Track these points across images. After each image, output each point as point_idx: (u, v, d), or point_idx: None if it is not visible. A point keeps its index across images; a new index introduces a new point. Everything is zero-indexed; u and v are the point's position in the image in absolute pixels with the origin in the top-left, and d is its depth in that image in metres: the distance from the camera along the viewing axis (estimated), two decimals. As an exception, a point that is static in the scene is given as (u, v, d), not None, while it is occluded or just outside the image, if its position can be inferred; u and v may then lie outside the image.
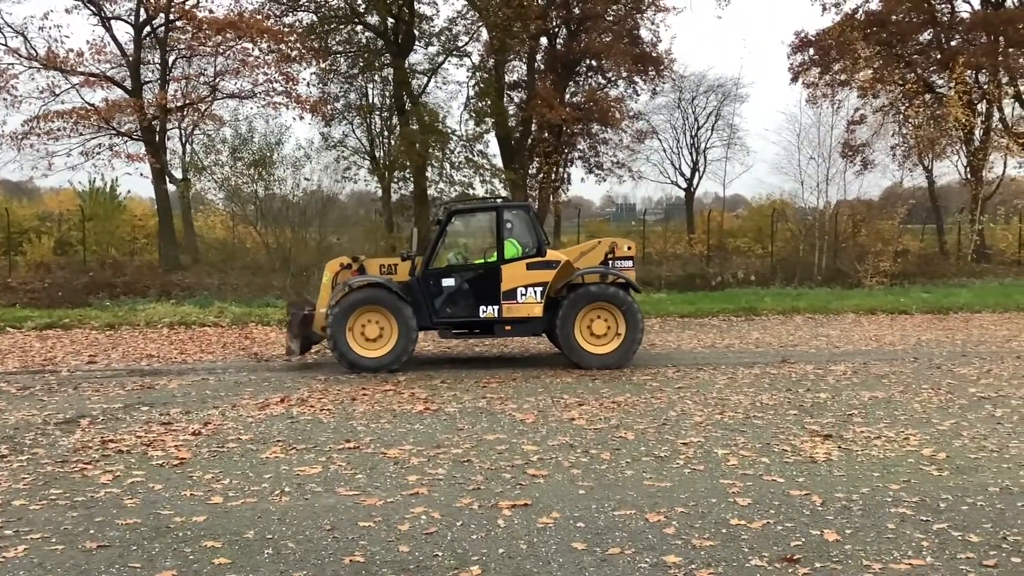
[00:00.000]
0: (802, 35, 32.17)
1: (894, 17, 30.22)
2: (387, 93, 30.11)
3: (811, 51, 32.00)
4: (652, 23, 32.40)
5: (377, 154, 31.16)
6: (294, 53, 27.14)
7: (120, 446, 7.36)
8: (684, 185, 38.73)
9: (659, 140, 37.94)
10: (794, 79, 32.04)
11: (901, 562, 4.64)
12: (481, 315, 11.79)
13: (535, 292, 11.70)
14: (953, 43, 30.14)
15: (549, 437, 7.62)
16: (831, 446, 7.24)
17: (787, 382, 10.54)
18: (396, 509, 5.58)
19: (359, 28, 29.25)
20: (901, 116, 29.87)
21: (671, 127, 38.56)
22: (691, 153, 38.79)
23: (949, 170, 32.44)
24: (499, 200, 13.76)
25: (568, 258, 11.99)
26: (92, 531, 5.20)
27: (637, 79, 33.00)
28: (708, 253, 28.97)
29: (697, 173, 38.60)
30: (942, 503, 5.66)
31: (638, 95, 34.25)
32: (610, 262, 12.29)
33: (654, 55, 32.50)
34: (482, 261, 12.29)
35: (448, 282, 11.88)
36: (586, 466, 6.63)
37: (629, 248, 12.58)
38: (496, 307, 11.74)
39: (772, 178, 60.42)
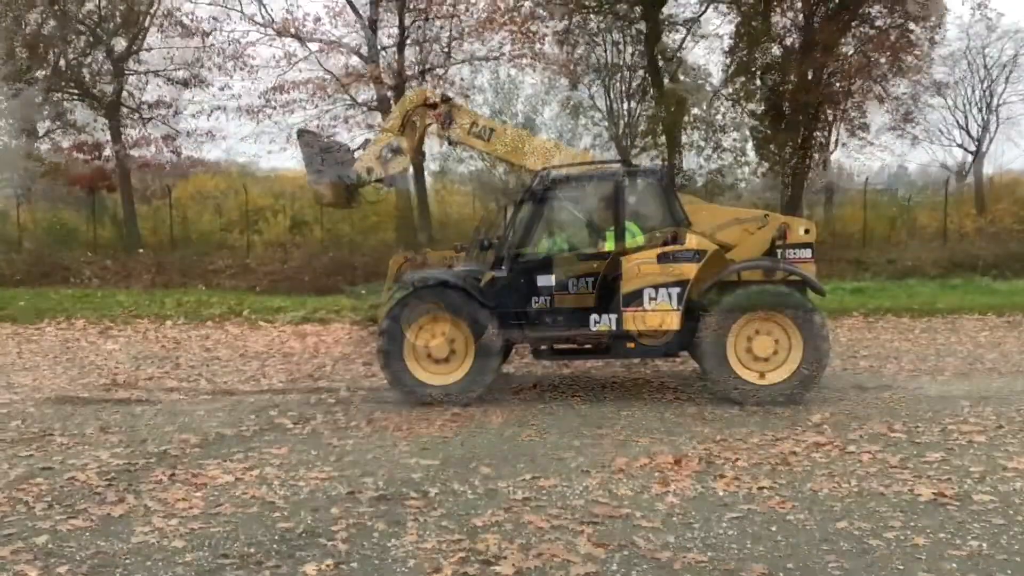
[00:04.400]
0: None
1: None
2: (635, 51, 27.02)
3: None
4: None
5: (617, 121, 28.31)
6: (538, 9, 24.53)
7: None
8: (972, 148, 33.24)
9: (943, 97, 32.56)
10: None
11: None
12: (593, 327, 8.44)
13: (670, 295, 8.26)
14: None
15: None
16: None
17: None
18: None
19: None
20: None
21: (953, 81, 33.04)
22: (980, 111, 33.22)
23: None
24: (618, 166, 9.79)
25: (715, 246, 8.39)
26: None
27: (912, 26, 28.12)
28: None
29: (988, 134, 33.04)
30: None
31: (914, 45, 29.38)
32: (778, 252, 8.58)
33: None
34: (593, 251, 8.76)
35: (545, 280, 8.50)
36: None
37: (807, 231, 8.73)
38: (614, 316, 8.36)
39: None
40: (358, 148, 9.79)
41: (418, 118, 9.23)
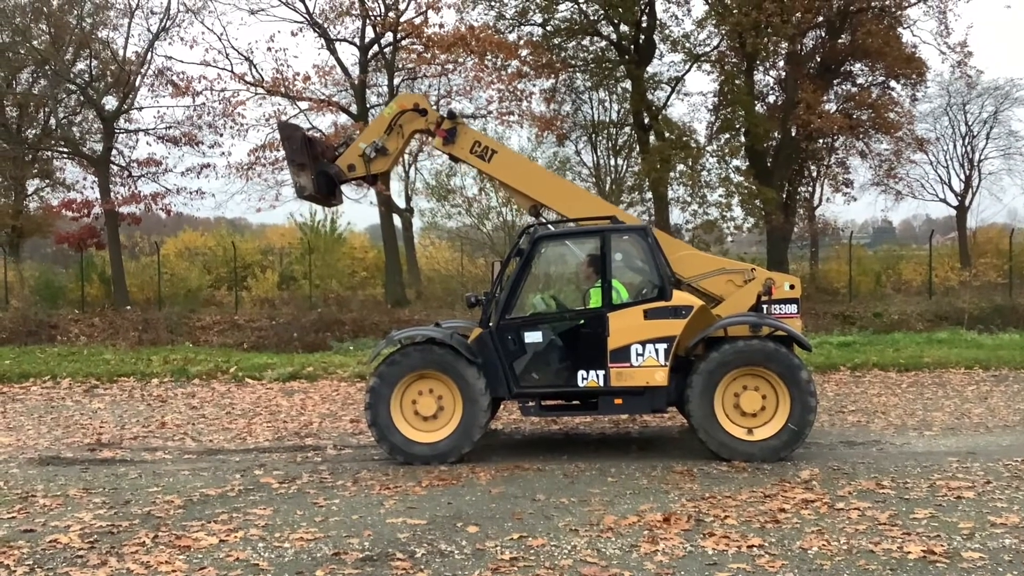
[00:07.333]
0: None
1: None
2: (622, 109, 27.37)
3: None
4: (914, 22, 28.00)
5: (604, 177, 28.54)
6: (525, 68, 24.85)
7: None
8: (955, 203, 33.53)
9: (924, 153, 32.97)
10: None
11: None
12: (581, 384, 8.47)
13: (657, 350, 8.31)
14: None
15: None
16: None
17: None
18: None
19: (593, 39, 26.58)
20: None
21: (935, 137, 33.47)
22: (963, 166, 33.60)
23: None
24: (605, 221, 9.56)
25: (701, 302, 8.53)
26: None
27: (894, 83, 28.57)
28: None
29: (970, 189, 33.36)
30: None
31: (895, 103, 29.81)
32: (763, 307, 8.83)
33: (917, 56, 28.05)
34: (580, 307, 8.99)
35: (533, 337, 8.60)
36: None
37: (792, 287, 8.96)
38: (601, 372, 8.39)
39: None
40: (340, 145, 9.80)
41: (405, 122, 9.23)
